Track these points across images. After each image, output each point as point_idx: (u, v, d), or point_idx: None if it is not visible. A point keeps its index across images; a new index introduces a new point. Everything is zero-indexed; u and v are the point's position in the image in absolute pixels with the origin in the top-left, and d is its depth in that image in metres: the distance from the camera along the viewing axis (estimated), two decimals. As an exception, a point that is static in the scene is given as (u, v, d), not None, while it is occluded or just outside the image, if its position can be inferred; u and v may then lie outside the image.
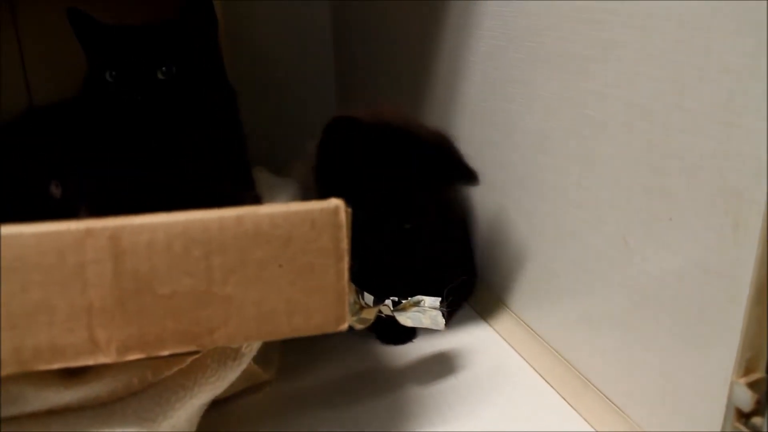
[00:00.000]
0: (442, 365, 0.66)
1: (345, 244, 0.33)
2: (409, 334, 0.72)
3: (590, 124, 0.54)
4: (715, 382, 0.43)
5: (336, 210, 0.32)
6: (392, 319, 0.72)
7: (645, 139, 0.48)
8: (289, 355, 0.64)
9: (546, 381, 0.63)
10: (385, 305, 0.53)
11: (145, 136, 0.68)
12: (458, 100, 0.78)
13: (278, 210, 0.32)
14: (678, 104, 0.44)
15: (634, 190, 0.50)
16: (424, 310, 0.54)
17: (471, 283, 0.79)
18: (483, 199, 0.75)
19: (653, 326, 0.49)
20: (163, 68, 0.64)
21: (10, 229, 0.30)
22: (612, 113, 0.51)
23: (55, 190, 0.80)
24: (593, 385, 0.56)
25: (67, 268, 0.31)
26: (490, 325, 0.74)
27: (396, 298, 0.54)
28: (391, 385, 0.62)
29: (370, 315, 0.53)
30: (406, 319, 0.53)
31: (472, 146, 0.76)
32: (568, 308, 0.60)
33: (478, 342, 0.71)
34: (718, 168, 0.41)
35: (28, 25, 0.93)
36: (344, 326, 0.34)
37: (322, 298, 0.33)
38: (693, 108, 0.43)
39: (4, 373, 0.31)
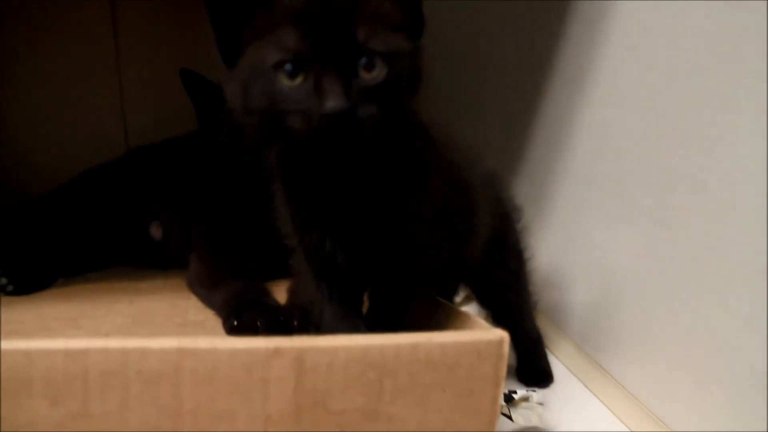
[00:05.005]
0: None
1: (503, 372, 0.35)
2: (548, 376, 0.73)
3: (715, 204, 0.54)
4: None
5: (501, 342, 0.34)
6: (530, 360, 0.73)
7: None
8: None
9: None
10: (502, 405, 0.55)
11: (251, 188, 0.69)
12: (560, 160, 0.78)
13: (449, 339, 0.34)
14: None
15: (763, 273, 0.49)
16: (531, 407, 0.55)
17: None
18: (588, 265, 0.75)
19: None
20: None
21: (206, 343, 0.33)
22: (740, 195, 0.51)
23: (156, 232, 0.83)
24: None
25: (252, 382, 0.33)
26: (591, 391, 0.72)
27: (506, 392, 0.56)
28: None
29: None
30: (518, 416, 0.55)
31: (575, 208, 0.76)
32: (679, 380, 0.59)
33: (579, 407, 0.68)
34: None
35: (129, 67, 0.96)
36: (492, 446, 0.36)
37: (477, 419, 0.35)
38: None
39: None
